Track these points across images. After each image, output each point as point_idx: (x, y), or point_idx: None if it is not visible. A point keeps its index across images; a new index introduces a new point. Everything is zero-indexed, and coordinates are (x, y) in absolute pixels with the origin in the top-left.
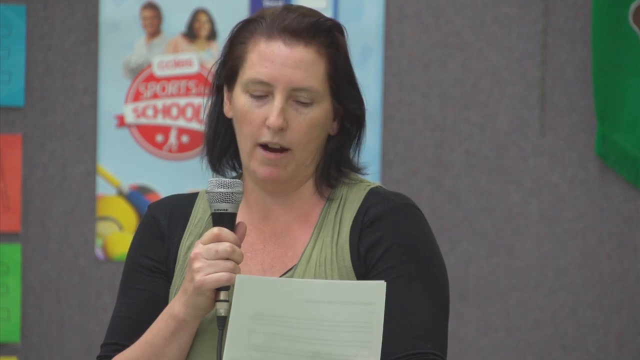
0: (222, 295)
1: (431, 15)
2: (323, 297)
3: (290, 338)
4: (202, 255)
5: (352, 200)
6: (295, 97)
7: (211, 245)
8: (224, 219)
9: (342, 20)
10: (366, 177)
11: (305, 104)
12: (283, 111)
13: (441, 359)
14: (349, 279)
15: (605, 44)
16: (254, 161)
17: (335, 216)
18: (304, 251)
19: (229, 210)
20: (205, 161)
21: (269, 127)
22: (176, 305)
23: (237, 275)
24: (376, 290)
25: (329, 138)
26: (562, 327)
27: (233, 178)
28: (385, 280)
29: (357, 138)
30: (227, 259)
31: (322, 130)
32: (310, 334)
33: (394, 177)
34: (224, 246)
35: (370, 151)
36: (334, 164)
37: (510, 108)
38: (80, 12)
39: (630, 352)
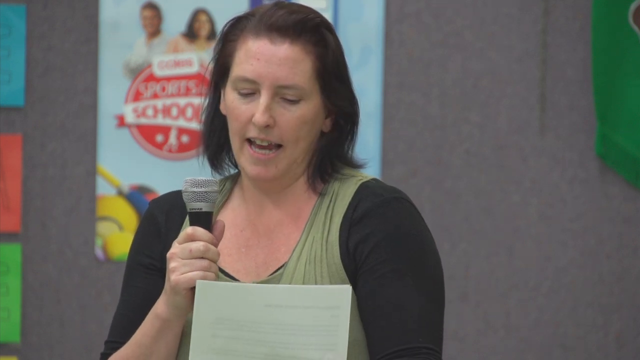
0: None
1: (431, 15)
2: (285, 302)
3: (251, 342)
4: (177, 255)
5: (342, 195)
6: (282, 94)
7: (185, 244)
8: (200, 218)
9: (342, 20)
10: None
11: (293, 102)
12: (269, 108)
13: (434, 352)
14: (339, 276)
15: (605, 44)
16: (243, 159)
17: (327, 212)
18: (294, 248)
19: (204, 209)
20: (204, 158)
21: (255, 124)
22: (159, 305)
23: (197, 281)
24: (340, 294)
25: (322, 135)
26: (562, 327)
27: (232, 175)
28: (376, 276)
29: (350, 135)
30: (202, 257)
31: (312, 127)
32: (272, 338)
33: (394, 177)
34: (198, 245)
35: (370, 151)
36: (328, 160)
37: (510, 108)
38: (80, 12)
39: (630, 352)
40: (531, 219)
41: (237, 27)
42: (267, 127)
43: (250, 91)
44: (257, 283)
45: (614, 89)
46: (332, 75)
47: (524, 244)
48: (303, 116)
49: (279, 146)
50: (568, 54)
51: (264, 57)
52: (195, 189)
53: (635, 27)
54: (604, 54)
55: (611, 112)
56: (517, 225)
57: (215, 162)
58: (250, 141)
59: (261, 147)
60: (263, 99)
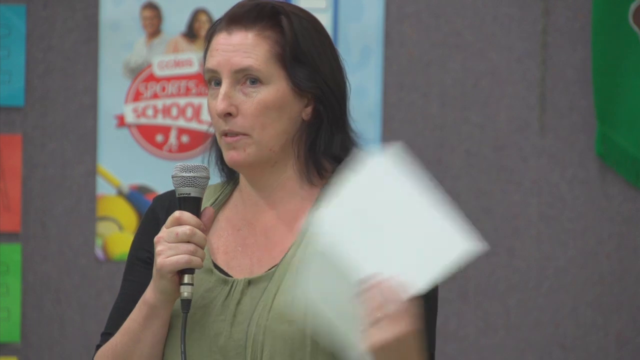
0: (186, 278)
1: (431, 15)
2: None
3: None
4: (163, 239)
5: None
6: (241, 80)
7: (172, 228)
8: (188, 203)
9: (342, 20)
10: None
11: (253, 87)
12: (228, 96)
13: (430, 355)
14: None
15: (605, 44)
16: (222, 151)
17: None
18: (289, 248)
19: (192, 194)
20: (210, 161)
21: (217, 114)
22: (148, 291)
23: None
24: None
25: (304, 124)
26: (562, 327)
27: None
28: None
29: (336, 124)
30: (188, 241)
31: (280, 113)
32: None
33: None
34: (184, 229)
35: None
36: (319, 151)
37: (510, 108)
38: (80, 12)
39: (630, 352)
40: (531, 219)
41: (214, 27)
42: (229, 115)
43: (215, 83)
44: (249, 279)
45: (614, 89)
46: (293, 59)
47: (524, 244)
48: (264, 100)
49: (245, 134)
50: (568, 54)
51: (222, 46)
52: (184, 174)
53: (635, 27)
54: (604, 54)
55: (611, 112)
56: (517, 225)
57: (220, 166)
58: (224, 134)
59: (231, 136)
60: (222, 87)
